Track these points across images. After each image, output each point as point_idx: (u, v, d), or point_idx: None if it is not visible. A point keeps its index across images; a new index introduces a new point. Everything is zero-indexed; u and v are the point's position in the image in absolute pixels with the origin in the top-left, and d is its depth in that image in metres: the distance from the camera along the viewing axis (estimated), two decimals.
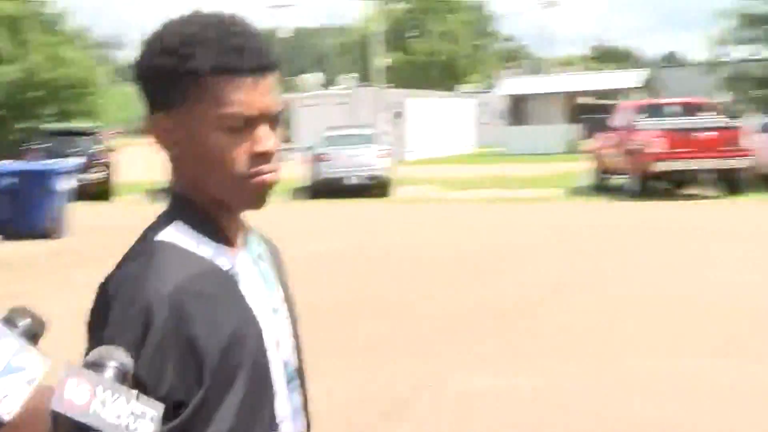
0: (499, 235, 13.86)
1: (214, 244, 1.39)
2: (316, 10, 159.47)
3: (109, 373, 1.13)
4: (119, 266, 1.37)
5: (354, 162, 21.38)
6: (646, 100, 23.68)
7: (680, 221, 15.07)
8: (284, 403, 1.42)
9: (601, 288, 9.17)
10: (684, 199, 18.57)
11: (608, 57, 69.56)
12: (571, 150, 31.70)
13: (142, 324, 1.27)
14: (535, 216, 16.52)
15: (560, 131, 36.34)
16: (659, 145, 17.68)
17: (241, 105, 1.35)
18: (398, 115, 34.36)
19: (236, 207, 1.42)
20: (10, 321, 1.23)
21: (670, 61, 68.18)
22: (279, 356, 1.42)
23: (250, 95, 1.35)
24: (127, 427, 1.10)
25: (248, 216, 1.46)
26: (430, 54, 56.04)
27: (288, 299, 1.51)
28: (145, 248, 1.36)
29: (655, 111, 20.01)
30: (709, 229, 13.80)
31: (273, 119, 1.38)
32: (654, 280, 9.55)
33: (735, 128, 18.45)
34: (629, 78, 38.12)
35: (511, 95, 39.00)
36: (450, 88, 46.89)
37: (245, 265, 1.42)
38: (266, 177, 1.37)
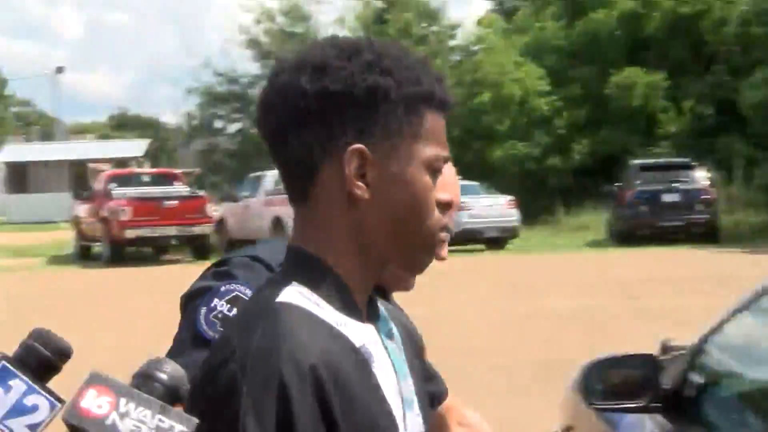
0: None
1: (339, 313, 1.10)
2: None
3: (154, 387, 0.99)
4: (232, 337, 1.07)
5: None
6: (119, 170, 24.20)
7: (131, 284, 15.55)
8: None
9: None
10: (157, 264, 19.28)
11: (133, 125, 69.92)
12: None
13: (279, 411, 1.00)
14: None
15: (65, 199, 35.58)
16: (127, 213, 17.97)
17: (444, 145, 1.15)
18: None
19: (406, 268, 1.19)
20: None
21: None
22: None
23: (445, 135, 1.16)
24: None
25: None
26: None
27: (420, 390, 1.21)
28: (264, 312, 1.07)
29: (127, 180, 20.33)
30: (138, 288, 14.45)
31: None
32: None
33: (199, 197, 19.43)
34: (137, 147, 38.69)
35: (10, 162, 37.36)
36: None
37: (375, 344, 1.13)
38: (450, 226, 1.20)
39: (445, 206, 1.20)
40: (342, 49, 1.12)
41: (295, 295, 1.08)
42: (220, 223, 20.54)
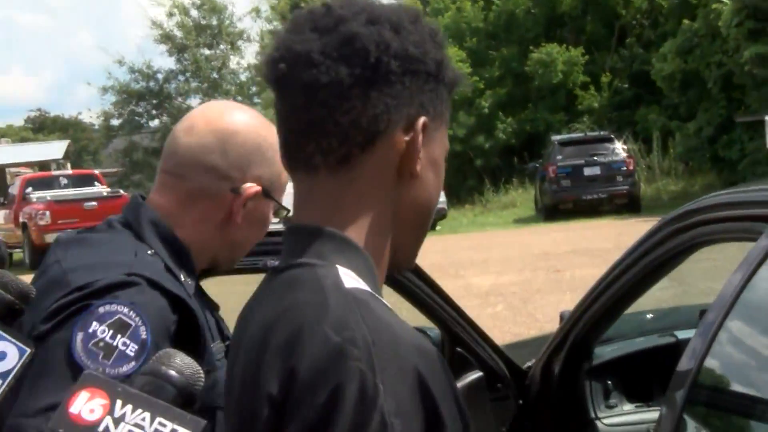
0: None
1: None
2: None
3: (163, 388, 0.89)
4: (325, 332, 0.90)
5: None
6: (35, 173, 23.63)
7: None
8: None
9: None
10: None
11: (53, 127, 68.13)
12: None
13: (425, 404, 0.89)
14: None
15: None
16: (45, 217, 17.63)
17: None
18: None
19: (405, 262, 1.08)
20: None
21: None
22: None
23: None
24: None
25: None
26: None
27: None
28: (349, 301, 0.93)
29: (45, 183, 19.82)
30: None
31: None
32: None
33: (121, 197, 19.00)
34: (56, 149, 37.81)
35: None
36: None
37: None
38: None
39: None
40: (405, 10, 1.03)
41: (353, 281, 0.96)
42: None
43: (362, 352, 0.88)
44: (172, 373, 0.92)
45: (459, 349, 2.37)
